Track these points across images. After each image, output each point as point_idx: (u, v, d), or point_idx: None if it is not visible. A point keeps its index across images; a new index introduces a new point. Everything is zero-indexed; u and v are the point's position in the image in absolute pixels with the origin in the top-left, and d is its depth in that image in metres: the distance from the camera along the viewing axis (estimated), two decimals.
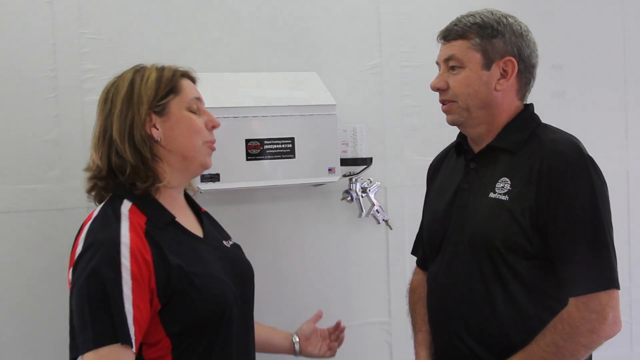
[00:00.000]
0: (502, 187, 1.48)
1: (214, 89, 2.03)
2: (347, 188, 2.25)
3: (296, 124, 2.02)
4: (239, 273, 1.46)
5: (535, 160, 1.46)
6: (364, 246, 2.34)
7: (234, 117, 1.95)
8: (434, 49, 2.41)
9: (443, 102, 1.60)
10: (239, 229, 2.16)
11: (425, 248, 1.74)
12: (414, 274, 1.88)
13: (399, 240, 2.38)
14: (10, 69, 1.93)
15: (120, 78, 1.42)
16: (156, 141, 1.38)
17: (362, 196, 2.26)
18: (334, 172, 2.08)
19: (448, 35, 1.59)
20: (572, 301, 1.41)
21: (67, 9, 1.97)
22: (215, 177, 1.93)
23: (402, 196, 2.38)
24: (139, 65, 1.45)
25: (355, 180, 2.24)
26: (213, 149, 1.47)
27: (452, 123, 1.61)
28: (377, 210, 2.28)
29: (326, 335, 1.91)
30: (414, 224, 2.39)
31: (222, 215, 2.15)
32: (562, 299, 1.43)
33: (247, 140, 1.96)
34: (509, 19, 1.56)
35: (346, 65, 2.31)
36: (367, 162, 2.21)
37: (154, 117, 1.38)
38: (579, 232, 1.41)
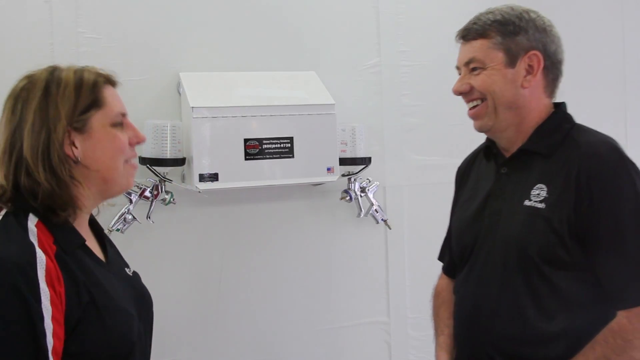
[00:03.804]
0: (538, 194, 1.38)
1: (212, 89, 2.02)
2: (345, 188, 2.25)
3: (295, 124, 2.02)
4: (142, 304, 1.31)
5: (572, 165, 1.35)
6: (362, 246, 2.34)
7: (232, 116, 1.94)
8: (434, 49, 2.43)
9: (470, 102, 1.49)
10: (237, 228, 2.17)
11: (454, 256, 1.64)
12: (440, 278, 1.79)
13: (398, 240, 2.37)
14: (8, 69, 1.92)
15: (30, 81, 1.21)
16: (74, 161, 1.19)
17: (360, 196, 2.25)
18: (333, 172, 2.07)
19: (467, 34, 1.47)
20: (623, 313, 1.31)
21: (64, 9, 1.97)
22: (213, 177, 1.92)
23: (401, 196, 2.38)
24: (53, 67, 1.24)
25: (354, 179, 2.24)
26: (135, 168, 1.30)
27: (480, 129, 1.50)
28: (375, 209, 2.28)
29: None
30: (413, 223, 2.40)
31: (220, 215, 2.16)
32: (603, 313, 1.33)
33: (246, 140, 1.96)
34: (531, 13, 1.45)
35: (345, 64, 2.31)
36: (365, 161, 2.21)
37: (72, 133, 1.18)
38: (625, 240, 1.31)
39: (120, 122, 1.24)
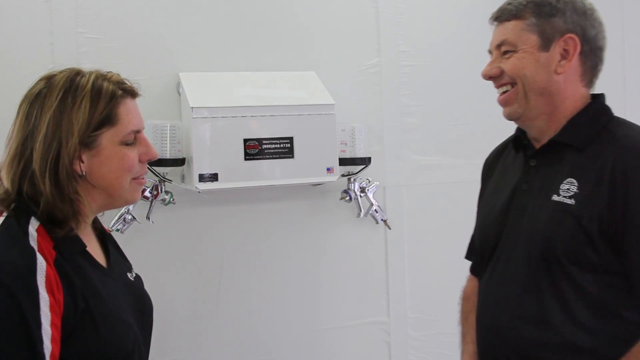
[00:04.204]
0: (568, 189, 1.29)
1: (212, 89, 2.03)
2: (345, 188, 2.25)
3: (295, 124, 2.02)
4: (142, 310, 1.30)
5: (607, 159, 1.26)
6: (362, 246, 2.34)
7: (232, 116, 1.94)
8: (434, 49, 2.43)
9: (500, 87, 1.40)
10: (237, 228, 2.17)
11: (477, 253, 1.56)
12: (468, 280, 1.67)
13: (398, 240, 2.37)
14: (8, 69, 1.93)
15: (48, 85, 1.18)
16: (80, 176, 1.17)
17: (360, 196, 2.25)
18: (333, 172, 2.07)
19: (500, 15, 1.38)
20: None
21: (64, 9, 1.97)
22: (213, 177, 1.92)
23: (400, 196, 2.38)
24: (75, 70, 1.21)
25: (354, 179, 2.24)
26: (142, 184, 1.28)
27: (509, 117, 1.40)
28: (375, 209, 2.28)
29: None
30: (412, 223, 2.40)
31: (220, 215, 2.16)
32: (637, 324, 1.26)
33: (246, 140, 1.96)
34: None
35: (345, 64, 2.30)
36: (365, 161, 2.21)
37: (81, 149, 1.16)
38: None
39: (131, 142, 1.22)
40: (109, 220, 1.95)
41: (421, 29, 2.40)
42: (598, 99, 1.39)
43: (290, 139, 2.01)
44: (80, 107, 1.15)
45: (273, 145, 1.99)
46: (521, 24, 1.34)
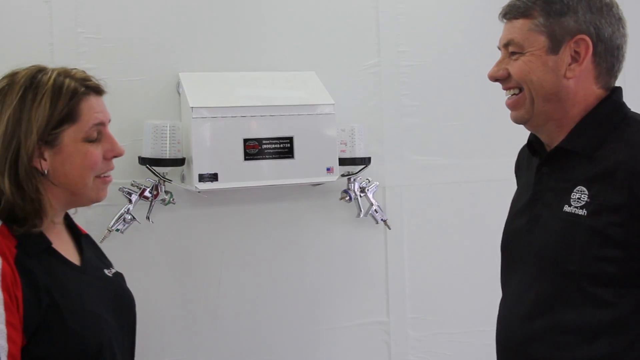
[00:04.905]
0: (579, 198, 1.21)
1: (212, 89, 2.03)
2: (345, 188, 2.25)
3: (294, 124, 2.02)
4: (119, 305, 1.29)
5: (617, 162, 1.18)
6: (362, 246, 2.34)
7: (232, 116, 1.94)
8: (434, 49, 2.43)
9: (508, 90, 1.33)
10: (237, 228, 2.17)
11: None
12: None
13: (398, 240, 2.37)
14: (7, 68, 1.92)
15: (10, 83, 1.18)
16: (42, 174, 1.16)
17: (360, 196, 2.25)
18: (333, 172, 2.07)
19: (508, 12, 1.30)
20: None
21: (64, 9, 1.97)
22: (213, 177, 1.92)
23: (400, 196, 2.38)
24: (37, 68, 1.20)
25: (354, 180, 2.24)
26: (108, 182, 1.26)
27: (516, 121, 1.33)
28: (375, 210, 2.27)
29: None
30: (412, 223, 2.40)
31: (220, 215, 2.16)
32: None
33: (245, 140, 1.96)
34: None
35: (345, 64, 2.30)
36: (365, 161, 2.21)
37: (42, 146, 1.16)
38: None
39: (94, 138, 1.21)
40: (109, 220, 1.95)
41: (421, 29, 2.40)
42: (611, 96, 1.30)
43: (290, 139, 2.01)
44: (40, 105, 1.14)
45: (273, 145, 1.99)
46: (529, 23, 1.26)
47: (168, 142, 1.95)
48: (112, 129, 2.02)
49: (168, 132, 1.95)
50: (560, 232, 1.23)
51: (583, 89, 1.27)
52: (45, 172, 1.17)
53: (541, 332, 1.24)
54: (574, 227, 1.21)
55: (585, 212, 1.19)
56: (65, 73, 1.20)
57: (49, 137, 1.16)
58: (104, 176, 1.25)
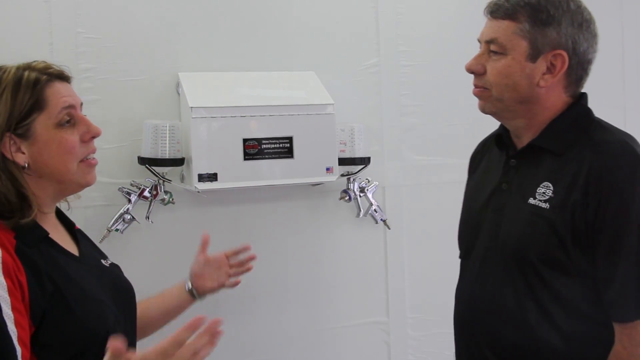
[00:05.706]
0: (544, 192, 1.30)
1: (211, 89, 2.02)
2: (345, 188, 2.25)
3: (294, 124, 2.02)
4: (119, 293, 1.31)
5: (582, 164, 1.26)
6: (362, 246, 2.34)
7: (231, 116, 1.94)
8: (433, 49, 2.43)
9: (476, 86, 1.40)
10: (236, 228, 2.17)
11: (459, 249, 1.55)
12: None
13: (397, 240, 2.37)
14: None
15: None
16: (23, 168, 1.17)
17: (360, 196, 2.25)
18: (332, 172, 2.07)
19: (496, 11, 1.34)
20: (617, 334, 1.26)
21: (64, 9, 1.97)
22: (212, 177, 1.92)
23: (400, 196, 2.38)
24: None
25: (353, 179, 2.24)
26: (93, 165, 1.26)
27: (482, 111, 1.40)
28: (375, 209, 2.28)
29: (224, 262, 1.65)
30: (412, 223, 2.40)
31: (219, 215, 2.16)
32: (610, 324, 1.27)
33: (245, 140, 1.96)
34: (571, 3, 1.31)
35: (344, 64, 2.30)
36: (365, 161, 2.21)
37: (17, 140, 1.17)
38: (627, 249, 1.23)
39: (67, 121, 1.21)
40: (109, 220, 1.95)
41: (421, 29, 2.40)
42: (579, 101, 1.38)
43: (290, 139, 2.01)
44: (1, 100, 1.16)
45: (272, 145, 1.99)
46: (514, 26, 1.31)
47: (168, 142, 1.95)
48: (112, 129, 2.03)
49: (167, 132, 1.95)
50: (524, 222, 1.32)
51: (553, 97, 1.35)
52: (26, 165, 1.18)
53: (504, 312, 1.34)
54: (536, 218, 1.30)
55: (548, 205, 1.29)
56: (24, 67, 1.21)
57: (22, 130, 1.17)
58: (88, 159, 1.25)
